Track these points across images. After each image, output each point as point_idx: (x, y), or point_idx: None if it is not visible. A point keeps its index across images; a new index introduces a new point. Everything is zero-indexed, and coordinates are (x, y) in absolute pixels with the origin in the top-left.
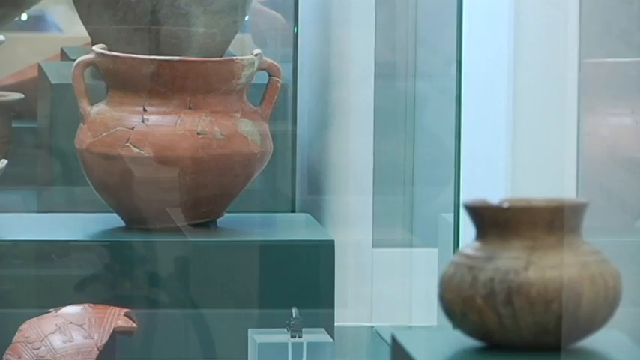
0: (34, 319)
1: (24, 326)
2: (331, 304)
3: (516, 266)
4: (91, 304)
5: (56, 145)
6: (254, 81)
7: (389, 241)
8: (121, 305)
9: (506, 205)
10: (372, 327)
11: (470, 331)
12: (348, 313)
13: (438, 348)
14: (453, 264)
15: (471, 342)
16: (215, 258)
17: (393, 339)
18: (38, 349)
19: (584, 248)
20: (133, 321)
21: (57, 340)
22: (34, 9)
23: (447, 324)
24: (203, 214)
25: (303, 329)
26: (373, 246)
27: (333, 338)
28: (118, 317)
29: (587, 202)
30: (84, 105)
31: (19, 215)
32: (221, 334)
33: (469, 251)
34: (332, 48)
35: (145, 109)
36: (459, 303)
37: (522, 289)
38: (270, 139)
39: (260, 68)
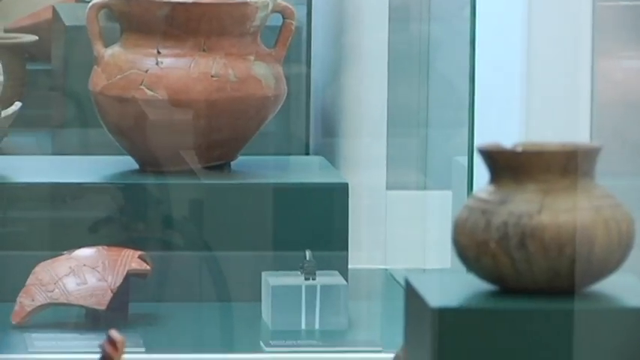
0: (48, 261)
1: (37, 269)
2: (345, 247)
3: (530, 210)
4: (105, 247)
5: (70, 87)
6: (268, 23)
7: (403, 183)
8: (135, 248)
9: (519, 148)
10: (386, 270)
11: (483, 275)
12: (361, 256)
13: (452, 291)
14: (466, 208)
15: (484, 286)
16: (229, 200)
17: (407, 282)
18: (52, 291)
19: (598, 192)
20: (147, 263)
21: (70, 283)
22: None
23: (461, 267)
24: (217, 156)
25: (317, 272)
26: (387, 188)
27: (346, 281)
28: (131, 260)
29: (601, 146)
30: (98, 47)
31: (34, 157)
32: (235, 276)
33: (483, 195)
34: None
35: (159, 52)
36: (473, 247)
37: (536, 233)
38: (284, 81)
39: (274, 11)
